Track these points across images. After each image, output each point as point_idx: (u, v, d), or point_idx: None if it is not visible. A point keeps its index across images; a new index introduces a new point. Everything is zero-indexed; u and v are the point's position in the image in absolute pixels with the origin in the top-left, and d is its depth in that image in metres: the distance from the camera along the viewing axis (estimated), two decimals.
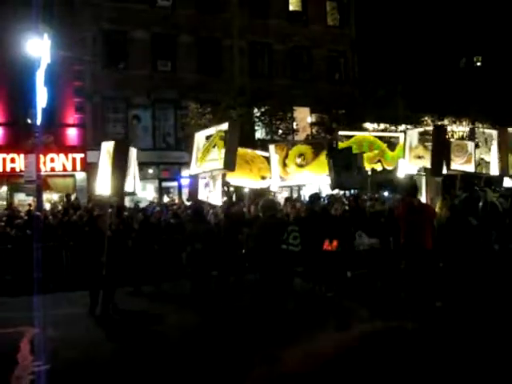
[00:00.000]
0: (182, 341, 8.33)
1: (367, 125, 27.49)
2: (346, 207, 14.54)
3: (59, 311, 10.77)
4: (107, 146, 11.97)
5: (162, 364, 7.17)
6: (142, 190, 26.34)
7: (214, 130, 13.21)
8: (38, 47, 17.32)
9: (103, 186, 11.73)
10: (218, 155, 12.51)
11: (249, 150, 14.90)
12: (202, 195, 13.68)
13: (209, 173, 13.24)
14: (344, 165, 12.55)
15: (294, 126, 26.76)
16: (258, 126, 25.43)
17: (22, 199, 22.68)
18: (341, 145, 14.97)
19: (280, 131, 25.40)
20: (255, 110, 25.25)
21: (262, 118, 25.40)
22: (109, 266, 10.44)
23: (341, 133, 16.56)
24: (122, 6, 25.46)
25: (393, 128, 26.05)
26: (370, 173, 15.48)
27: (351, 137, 15.84)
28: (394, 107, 25.60)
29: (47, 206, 20.64)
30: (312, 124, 28.38)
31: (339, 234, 11.53)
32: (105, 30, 25.54)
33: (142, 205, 19.48)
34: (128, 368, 7.20)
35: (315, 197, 12.37)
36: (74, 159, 23.97)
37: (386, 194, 21.15)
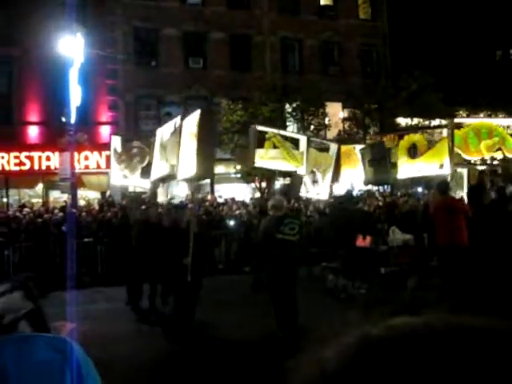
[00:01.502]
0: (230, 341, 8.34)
1: (400, 119, 27.16)
2: (380, 203, 14.38)
3: (94, 306, 10.93)
4: (174, 123, 10.96)
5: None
6: (175, 187, 26.55)
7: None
8: (71, 46, 17.55)
9: (159, 170, 11.28)
10: (281, 154, 12.14)
11: (349, 146, 14.83)
12: (311, 192, 13.32)
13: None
14: (377, 160, 12.41)
15: (326, 122, 26.57)
16: (290, 121, 25.32)
17: (57, 196, 23.02)
18: (457, 132, 13.68)
19: (312, 127, 25.24)
20: (287, 106, 25.16)
21: (294, 113, 25.29)
22: (194, 269, 8.82)
23: (457, 120, 15.37)
24: (153, 4, 25.63)
25: (426, 122, 25.68)
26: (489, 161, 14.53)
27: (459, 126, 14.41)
28: (427, 101, 25.20)
29: (82, 203, 20.97)
30: (344, 119, 28.15)
31: (373, 230, 11.42)
32: (136, 28, 25.75)
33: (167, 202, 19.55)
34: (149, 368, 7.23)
35: (348, 196, 12.34)
36: (107, 157, 24.15)
37: (419, 189, 20.91)
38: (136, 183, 13.62)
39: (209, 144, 9.58)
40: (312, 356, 0.57)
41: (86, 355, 0.99)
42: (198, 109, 9.42)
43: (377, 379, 0.51)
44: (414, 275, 10.75)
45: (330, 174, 12.87)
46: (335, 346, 0.57)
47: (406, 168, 12.83)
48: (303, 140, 12.42)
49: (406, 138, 13.06)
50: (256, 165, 12.37)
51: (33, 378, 0.91)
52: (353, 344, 0.56)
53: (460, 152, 13.35)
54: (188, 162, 9.22)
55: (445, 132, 12.80)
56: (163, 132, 11.34)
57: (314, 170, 12.72)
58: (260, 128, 12.70)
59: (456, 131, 13.44)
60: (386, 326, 0.60)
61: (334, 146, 13.35)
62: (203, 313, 9.25)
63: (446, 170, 12.07)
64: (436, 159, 12.28)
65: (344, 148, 14.08)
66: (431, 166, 12.45)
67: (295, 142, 12.29)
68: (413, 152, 12.65)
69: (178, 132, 10.08)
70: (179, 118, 10.33)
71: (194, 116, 9.38)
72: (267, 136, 12.11)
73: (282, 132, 12.88)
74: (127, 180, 13.28)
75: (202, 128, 8.85)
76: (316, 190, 13.01)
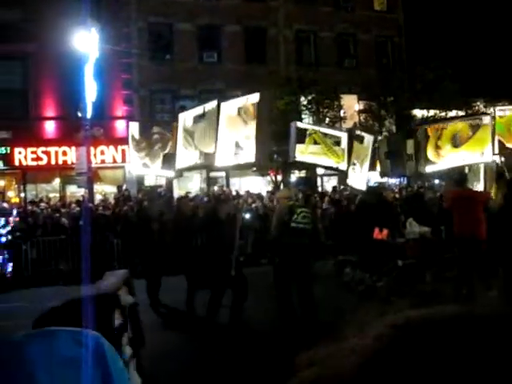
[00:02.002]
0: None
1: (416, 111, 26.94)
2: (396, 195, 14.29)
3: None
4: (203, 108, 10.42)
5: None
6: (189, 181, 26.62)
7: None
8: (86, 42, 17.62)
9: (187, 159, 10.74)
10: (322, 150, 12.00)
11: None
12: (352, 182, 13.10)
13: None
14: (393, 152, 12.33)
15: (342, 114, 26.43)
16: (305, 114, 25.23)
17: (74, 191, 23.17)
18: (499, 120, 13.10)
19: (327, 119, 25.14)
20: (302, 99, 25.07)
21: (309, 106, 25.19)
22: (238, 263, 8.74)
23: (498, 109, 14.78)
24: None
25: (443, 114, 25.44)
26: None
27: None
28: (443, 92, 24.97)
29: (98, 198, 21.08)
30: (359, 111, 27.99)
31: (390, 223, 11.35)
32: (151, 22, 25.77)
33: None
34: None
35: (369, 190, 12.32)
36: (123, 151, 24.30)
37: (436, 181, 20.74)
38: (158, 172, 13.01)
39: (266, 130, 9.43)
40: (345, 345, 0.56)
41: (114, 351, 0.96)
42: (256, 93, 9.22)
43: (412, 364, 0.50)
44: (432, 268, 10.67)
45: (367, 164, 12.78)
46: (367, 335, 0.55)
47: (452, 157, 12.38)
48: (344, 137, 12.26)
49: (449, 127, 12.66)
50: (297, 159, 12.30)
51: (60, 373, 0.89)
52: (386, 331, 0.55)
53: (503, 140, 12.92)
54: (229, 149, 9.07)
55: (486, 119, 12.51)
56: (186, 117, 10.95)
57: (354, 161, 12.61)
58: (300, 125, 12.66)
59: (498, 119, 13.10)
60: (417, 314, 0.58)
61: (368, 137, 13.26)
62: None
63: (487, 158, 11.92)
64: (478, 147, 12.05)
65: None
66: (474, 154, 12.19)
67: (336, 139, 12.16)
68: (457, 141, 12.27)
69: (211, 117, 9.77)
70: (214, 102, 10.02)
71: (241, 101, 9.36)
72: (308, 132, 12.04)
73: (323, 129, 12.73)
74: (148, 169, 12.70)
75: (261, 112, 8.71)
76: (354, 180, 12.88)
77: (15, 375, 0.85)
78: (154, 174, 14.07)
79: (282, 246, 8.57)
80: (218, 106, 9.97)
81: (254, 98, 8.97)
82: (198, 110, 10.67)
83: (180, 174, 12.90)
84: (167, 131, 12.05)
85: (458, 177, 9.59)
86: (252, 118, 8.96)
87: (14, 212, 15.15)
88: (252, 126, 8.81)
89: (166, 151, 11.97)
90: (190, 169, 12.25)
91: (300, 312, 8.42)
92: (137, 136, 12.56)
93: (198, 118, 10.34)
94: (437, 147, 12.48)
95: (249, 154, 8.80)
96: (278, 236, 8.78)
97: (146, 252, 11.66)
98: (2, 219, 13.19)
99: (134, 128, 12.81)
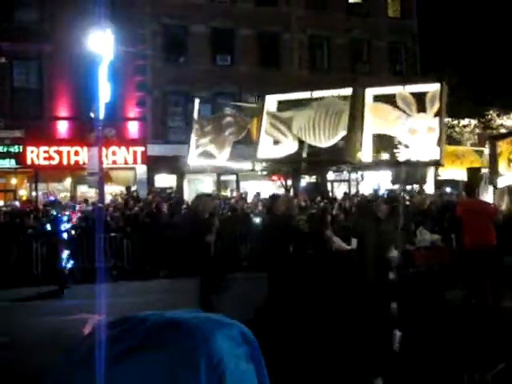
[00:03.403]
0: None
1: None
2: (407, 203, 14.24)
3: (121, 300, 11.01)
4: (310, 94, 9.49)
5: None
6: (201, 183, 26.68)
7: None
8: (101, 43, 17.70)
9: (278, 149, 9.55)
10: None
11: (460, 147, 14.39)
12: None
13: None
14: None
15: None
16: None
17: (85, 191, 23.31)
18: None
19: None
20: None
21: None
22: None
23: None
24: (182, 1, 25.71)
25: (455, 122, 25.36)
26: None
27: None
28: (456, 100, 24.86)
29: (108, 198, 21.16)
30: None
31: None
32: (165, 24, 25.89)
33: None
34: None
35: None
36: (134, 152, 24.42)
37: (448, 189, 20.65)
38: (223, 164, 10.93)
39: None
40: None
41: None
42: (437, 84, 8.37)
43: None
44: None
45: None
46: None
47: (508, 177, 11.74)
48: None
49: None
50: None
51: (238, 374, 0.81)
52: None
53: None
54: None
55: None
56: (274, 101, 9.62)
57: None
58: None
59: None
60: None
61: None
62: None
63: None
64: None
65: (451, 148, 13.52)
66: None
67: None
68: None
69: (334, 106, 8.89)
70: (343, 90, 8.96)
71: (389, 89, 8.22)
72: None
73: None
74: (210, 160, 10.72)
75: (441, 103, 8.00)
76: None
77: (205, 367, 0.77)
78: (218, 165, 11.59)
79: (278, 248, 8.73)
80: (355, 94, 9.04)
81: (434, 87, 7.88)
82: (296, 95, 9.64)
83: (266, 169, 11.25)
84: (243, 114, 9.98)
85: (468, 187, 9.51)
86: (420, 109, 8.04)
87: (77, 208, 15.21)
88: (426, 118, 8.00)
89: (239, 138, 10.31)
90: (283, 162, 10.72)
91: None
92: (202, 117, 10.50)
93: (300, 105, 9.28)
94: (509, 160, 11.80)
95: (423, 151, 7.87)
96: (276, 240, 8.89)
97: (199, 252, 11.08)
98: (66, 215, 13.16)
99: (199, 106, 10.57)
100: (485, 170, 12.51)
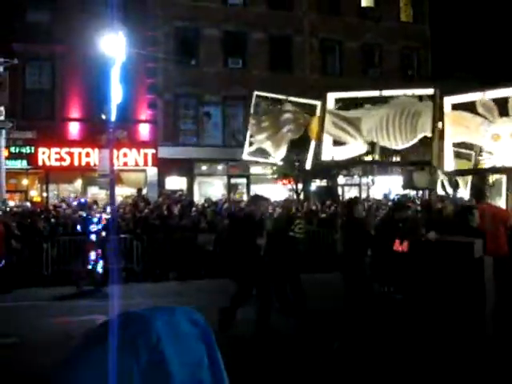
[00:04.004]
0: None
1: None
2: (418, 208, 14.15)
3: (130, 301, 11.00)
4: (379, 92, 8.96)
5: None
6: (211, 186, 26.70)
7: None
8: (113, 45, 17.75)
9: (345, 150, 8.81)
10: None
11: None
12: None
13: None
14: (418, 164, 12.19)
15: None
16: None
17: (96, 192, 23.38)
18: None
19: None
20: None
21: None
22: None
23: None
24: (195, 4, 25.78)
25: None
26: None
27: None
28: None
29: (118, 200, 21.21)
30: None
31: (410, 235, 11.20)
32: (177, 27, 25.95)
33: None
34: None
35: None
36: (145, 154, 24.49)
37: (458, 195, 20.47)
38: (275, 160, 10.07)
39: None
40: None
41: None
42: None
43: None
44: None
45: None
46: None
47: None
48: None
49: None
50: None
51: (180, 350, 0.90)
52: None
53: None
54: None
55: None
56: (334, 98, 8.97)
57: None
58: None
59: None
60: None
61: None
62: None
63: None
64: None
65: None
66: None
67: None
68: None
69: (411, 106, 8.28)
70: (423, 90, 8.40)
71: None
72: None
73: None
74: (262, 158, 9.94)
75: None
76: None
77: (144, 348, 0.86)
78: (271, 163, 10.77)
79: (276, 251, 9.15)
80: (434, 95, 8.43)
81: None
82: (364, 94, 9.07)
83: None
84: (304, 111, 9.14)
85: (477, 193, 9.29)
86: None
87: (108, 209, 15.24)
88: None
89: (297, 137, 9.69)
90: (351, 164, 10.21)
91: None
92: (262, 111, 9.73)
93: (371, 103, 8.76)
94: None
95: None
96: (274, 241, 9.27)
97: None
98: (96, 217, 13.16)
99: (259, 99, 9.49)
100: (498, 176, 12.38)
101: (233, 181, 27.16)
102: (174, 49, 25.90)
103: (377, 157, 9.10)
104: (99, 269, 12.82)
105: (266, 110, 9.94)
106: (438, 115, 8.63)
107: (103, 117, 19.22)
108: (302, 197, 22.14)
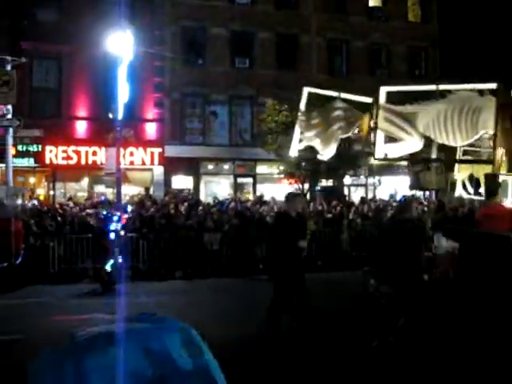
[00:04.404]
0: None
1: None
2: (425, 208, 14.11)
3: (136, 300, 11.02)
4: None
5: None
6: (217, 185, 26.72)
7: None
8: (120, 44, 17.77)
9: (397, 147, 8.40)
10: None
11: None
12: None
13: None
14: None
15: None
16: None
17: (102, 191, 23.43)
18: None
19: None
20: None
21: None
22: None
23: None
24: (202, 4, 25.79)
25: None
26: None
27: None
28: None
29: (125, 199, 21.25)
30: None
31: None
32: (184, 26, 25.98)
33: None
34: None
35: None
36: (152, 153, 24.52)
37: (465, 195, 20.39)
38: (323, 158, 9.77)
39: None
40: None
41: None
42: None
43: None
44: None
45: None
46: None
47: None
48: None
49: None
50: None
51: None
52: None
53: None
54: None
55: None
56: (385, 92, 8.49)
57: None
58: None
59: None
60: None
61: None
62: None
63: None
64: None
65: None
66: None
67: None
68: None
69: (472, 101, 7.95)
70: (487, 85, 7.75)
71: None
72: None
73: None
74: (317, 155, 9.65)
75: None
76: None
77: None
78: (322, 159, 10.34)
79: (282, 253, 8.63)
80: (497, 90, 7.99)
81: None
82: (420, 88, 8.53)
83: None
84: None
85: (487, 192, 9.09)
86: None
87: (129, 208, 15.28)
88: None
89: (348, 135, 9.41)
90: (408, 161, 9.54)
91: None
92: (309, 108, 9.23)
93: (430, 98, 8.38)
94: None
95: None
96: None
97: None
98: (116, 215, 13.17)
99: (306, 94, 9.47)
100: (504, 178, 12.29)
101: (239, 180, 27.16)
102: (181, 48, 25.93)
103: (434, 154, 8.59)
104: (112, 267, 12.83)
105: (316, 107, 9.54)
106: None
107: (110, 115, 19.23)
108: (308, 197, 22.10)
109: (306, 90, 9.97)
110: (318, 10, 27.92)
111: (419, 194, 18.92)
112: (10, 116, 18.26)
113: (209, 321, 8.97)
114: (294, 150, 10.14)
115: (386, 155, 9.17)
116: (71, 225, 15.62)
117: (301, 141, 9.93)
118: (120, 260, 12.77)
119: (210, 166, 26.68)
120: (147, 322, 0.95)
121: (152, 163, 24.55)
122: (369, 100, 9.10)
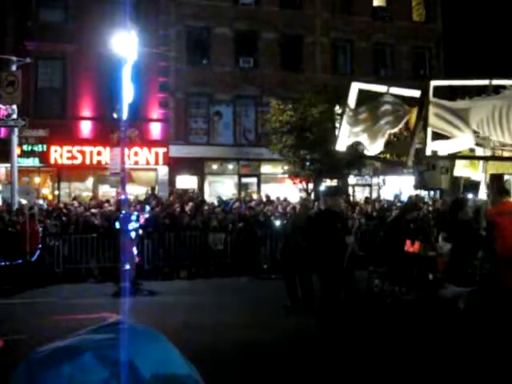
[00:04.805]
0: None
1: None
2: (430, 208, 14.09)
3: (138, 299, 11.06)
4: None
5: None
6: (221, 185, 26.72)
7: None
8: (124, 44, 17.80)
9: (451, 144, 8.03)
10: None
11: None
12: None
13: None
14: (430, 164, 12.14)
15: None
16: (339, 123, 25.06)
17: (107, 191, 23.48)
18: None
19: None
20: (336, 107, 24.91)
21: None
22: None
23: None
24: (206, 3, 25.81)
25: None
26: None
27: None
28: None
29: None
30: None
31: (422, 236, 11.18)
32: (189, 26, 25.99)
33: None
34: None
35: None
36: (156, 153, 24.55)
37: (470, 195, 20.36)
38: (370, 153, 9.70)
39: None
40: None
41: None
42: None
43: None
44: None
45: None
46: None
47: None
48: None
49: None
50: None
51: None
52: None
53: None
54: None
55: None
56: (433, 86, 8.26)
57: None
58: None
59: None
60: None
61: None
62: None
63: None
64: None
65: None
66: None
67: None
68: None
69: None
70: None
71: None
72: None
73: None
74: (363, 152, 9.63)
75: None
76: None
77: None
78: (369, 155, 10.22)
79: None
80: None
81: None
82: (471, 82, 8.31)
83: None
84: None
85: (501, 188, 8.71)
86: None
87: (147, 208, 15.34)
88: None
89: (395, 131, 9.16)
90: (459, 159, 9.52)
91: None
92: (358, 103, 8.96)
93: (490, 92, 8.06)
94: None
95: None
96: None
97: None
98: (134, 214, 13.20)
99: (355, 89, 9.08)
100: (507, 176, 12.20)
101: (243, 180, 27.18)
102: (186, 48, 25.95)
103: (489, 152, 8.41)
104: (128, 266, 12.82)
105: (365, 102, 9.27)
106: None
107: (115, 115, 19.29)
108: (312, 196, 22.08)
109: (356, 86, 9.67)
110: (322, 10, 27.91)
111: (424, 193, 18.91)
112: (15, 116, 18.34)
113: (215, 321, 9.00)
114: (341, 145, 9.82)
115: (436, 152, 8.70)
116: (76, 224, 15.66)
117: (349, 136, 9.64)
118: (137, 259, 12.86)
119: (215, 166, 26.70)
120: (112, 333, 0.92)
121: (156, 163, 24.59)
122: (417, 94, 8.78)
